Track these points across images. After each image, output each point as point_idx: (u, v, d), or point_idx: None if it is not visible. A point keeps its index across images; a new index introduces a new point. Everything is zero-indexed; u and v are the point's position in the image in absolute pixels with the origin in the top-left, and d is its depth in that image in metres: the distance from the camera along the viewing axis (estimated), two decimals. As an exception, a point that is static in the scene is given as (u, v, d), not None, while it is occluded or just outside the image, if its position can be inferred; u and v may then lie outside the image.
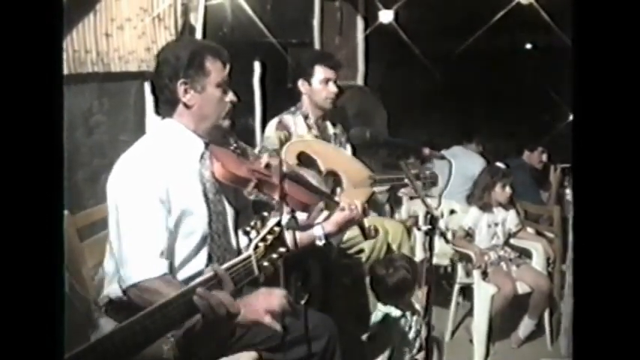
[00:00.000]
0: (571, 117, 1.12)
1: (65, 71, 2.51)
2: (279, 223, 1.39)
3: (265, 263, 1.36)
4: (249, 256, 1.35)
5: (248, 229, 1.39)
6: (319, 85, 3.02)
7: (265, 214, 1.43)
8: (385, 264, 2.74)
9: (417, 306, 2.76)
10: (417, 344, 2.70)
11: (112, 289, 1.81)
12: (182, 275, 1.80)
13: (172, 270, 1.77)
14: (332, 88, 3.03)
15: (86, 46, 2.62)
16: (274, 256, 1.37)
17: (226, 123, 1.91)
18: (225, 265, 1.33)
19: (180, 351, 1.33)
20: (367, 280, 2.90)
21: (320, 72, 3.02)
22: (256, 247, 1.35)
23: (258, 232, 1.37)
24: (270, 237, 1.36)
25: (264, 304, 1.54)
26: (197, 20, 3.17)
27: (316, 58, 3.13)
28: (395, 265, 2.69)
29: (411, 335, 2.72)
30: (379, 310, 2.74)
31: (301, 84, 3.04)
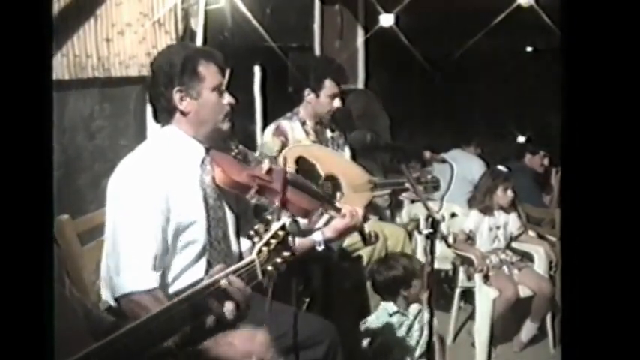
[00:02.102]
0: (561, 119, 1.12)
1: (66, 76, 2.51)
2: (283, 227, 1.38)
3: (269, 267, 1.35)
4: (253, 261, 1.34)
5: (252, 233, 1.38)
6: (326, 99, 2.97)
7: (269, 217, 1.42)
8: (379, 262, 2.85)
9: (417, 305, 2.77)
10: (421, 340, 2.70)
11: (108, 295, 1.80)
12: (181, 284, 1.78)
13: (165, 282, 1.76)
14: (337, 103, 2.98)
15: (87, 51, 2.62)
16: (278, 260, 1.36)
17: (226, 126, 1.90)
18: (228, 270, 1.32)
19: (181, 348, 1.32)
20: (368, 283, 2.91)
21: (330, 87, 2.96)
22: (259, 251, 1.34)
23: (261, 237, 1.36)
24: (273, 241, 1.36)
25: (246, 346, 1.54)
26: (197, 25, 3.17)
27: (328, 71, 3.02)
28: (388, 264, 2.77)
29: (414, 334, 2.73)
30: (378, 311, 2.76)
31: (307, 93, 2.98)
